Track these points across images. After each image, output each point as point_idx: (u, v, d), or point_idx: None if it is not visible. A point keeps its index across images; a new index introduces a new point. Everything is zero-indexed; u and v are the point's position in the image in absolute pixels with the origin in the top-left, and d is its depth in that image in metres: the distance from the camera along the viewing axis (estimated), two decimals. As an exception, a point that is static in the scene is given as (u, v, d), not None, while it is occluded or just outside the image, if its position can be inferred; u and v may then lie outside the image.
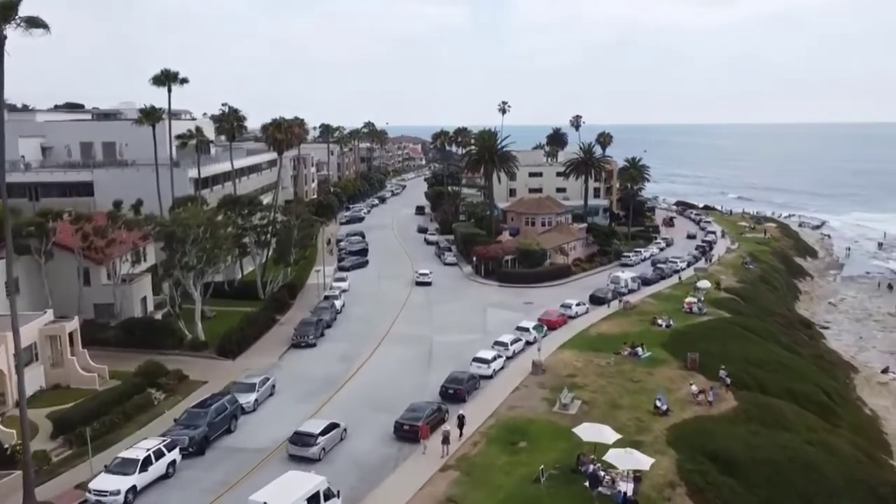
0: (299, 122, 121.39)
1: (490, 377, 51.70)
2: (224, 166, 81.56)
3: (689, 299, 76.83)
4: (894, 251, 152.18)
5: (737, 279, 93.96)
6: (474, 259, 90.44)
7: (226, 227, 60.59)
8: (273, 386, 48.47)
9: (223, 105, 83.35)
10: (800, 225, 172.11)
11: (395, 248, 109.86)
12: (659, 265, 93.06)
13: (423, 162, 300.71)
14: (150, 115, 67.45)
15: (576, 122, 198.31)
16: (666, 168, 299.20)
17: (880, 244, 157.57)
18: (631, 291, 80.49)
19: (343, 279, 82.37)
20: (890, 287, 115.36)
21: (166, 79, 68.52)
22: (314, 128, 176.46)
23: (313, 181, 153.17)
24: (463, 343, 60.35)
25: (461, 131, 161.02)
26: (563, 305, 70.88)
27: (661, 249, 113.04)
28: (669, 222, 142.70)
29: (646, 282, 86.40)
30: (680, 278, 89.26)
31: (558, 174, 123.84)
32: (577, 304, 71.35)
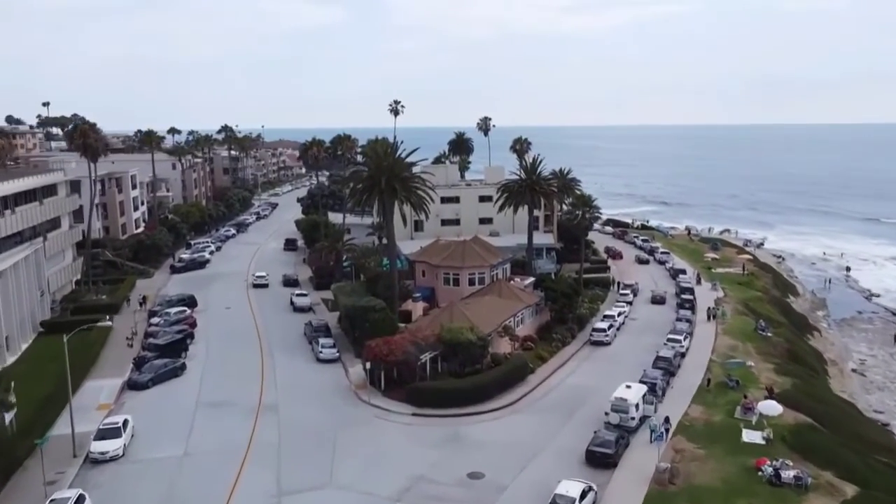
0: (88, 128, 79.88)
1: None
2: None
3: (746, 436, 43.91)
4: (858, 279, 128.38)
5: (771, 365, 61.72)
6: (368, 362, 52.61)
7: None
8: None
9: None
10: (745, 244, 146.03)
11: (244, 322, 70.40)
12: (661, 356, 58.25)
13: (304, 170, 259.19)
14: None
15: (484, 126, 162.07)
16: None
17: (848, 268, 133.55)
18: (645, 421, 45.05)
19: (116, 430, 42.68)
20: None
21: None
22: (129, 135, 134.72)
23: (138, 209, 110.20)
24: None
25: (341, 139, 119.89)
26: (555, 501, 34.65)
27: (630, 303, 79.76)
28: (616, 254, 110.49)
29: (654, 391, 51.54)
30: (708, 382, 54.83)
31: (482, 199, 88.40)
32: (583, 494, 35.23)
